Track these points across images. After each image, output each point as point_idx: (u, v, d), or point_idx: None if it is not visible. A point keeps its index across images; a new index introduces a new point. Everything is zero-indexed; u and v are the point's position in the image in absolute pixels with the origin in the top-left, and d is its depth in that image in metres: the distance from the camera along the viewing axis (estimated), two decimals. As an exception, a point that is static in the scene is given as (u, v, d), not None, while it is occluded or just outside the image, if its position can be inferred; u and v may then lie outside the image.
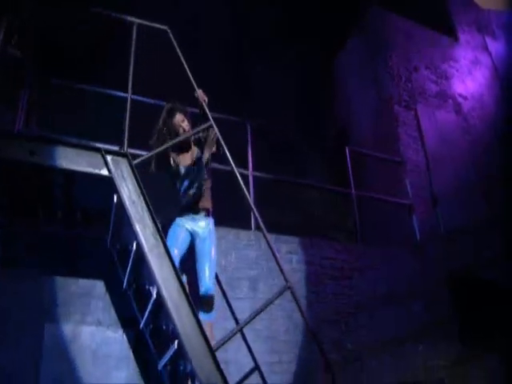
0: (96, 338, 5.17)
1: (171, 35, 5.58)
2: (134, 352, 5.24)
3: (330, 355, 5.79)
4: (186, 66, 5.52)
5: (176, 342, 4.27)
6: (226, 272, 6.16)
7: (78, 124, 6.44)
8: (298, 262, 6.83)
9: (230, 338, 4.48)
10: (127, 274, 5.09)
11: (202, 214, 5.40)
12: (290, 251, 6.83)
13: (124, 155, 4.79)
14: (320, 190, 8.19)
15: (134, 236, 4.53)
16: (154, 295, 4.44)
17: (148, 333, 5.10)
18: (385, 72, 10.77)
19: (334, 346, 6.53)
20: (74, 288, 5.33)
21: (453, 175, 10.05)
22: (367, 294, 7.32)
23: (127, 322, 5.29)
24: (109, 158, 4.71)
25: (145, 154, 5.09)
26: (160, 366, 4.95)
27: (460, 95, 11.88)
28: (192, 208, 5.41)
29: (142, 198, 4.69)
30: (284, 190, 7.82)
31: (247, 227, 6.72)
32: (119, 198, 4.62)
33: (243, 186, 5.22)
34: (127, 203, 4.59)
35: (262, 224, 5.19)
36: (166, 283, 4.40)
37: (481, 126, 11.65)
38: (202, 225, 5.33)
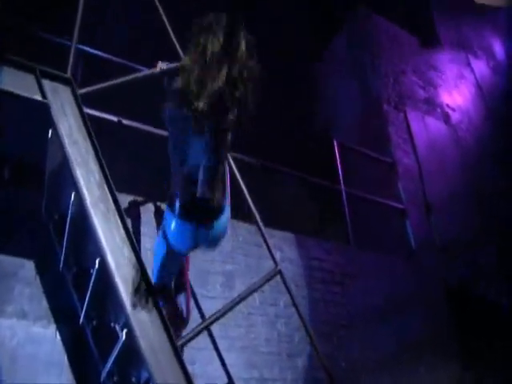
0: (18, 335, 3.70)
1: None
2: (69, 355, 3.76)
3: (320, 373, 4.42)
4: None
5: (124, 332, 2.87)
6: (194, 264, 4.74)
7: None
8: (282, 260, 5.45)
9: (201, 331, 3.15)
10: (64, 250, 3.67)
11: None
12: (273, 246, 5.46)
13: (67, 81, 3.45)
14: (305, 182, 6.87)
15: (74, 187, 3.17)
16: (97, 265, 3.06)
17: (90, 330, 3.64)
18: (372, 71, 9.66)
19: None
20: (-7, 269, 3.86)
21: (444, 184, 8.96)
22: (361, 303, 6.03)
23: (62, 314, 3.81)
24: (46, 82, 3.36)
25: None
26: (103, 376, 3.52)
27: (448, 106, 10.88)
28: None
29: (88, 138, 3.34)
30: (264, 178, 6.48)
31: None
32: (57, 136, 3.26)
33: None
34: (66, 142, 3.23)
35: (253, 208, 3.97)
36: (114, 250, 3.05)
37: (471, 139, 10.65)
38: None
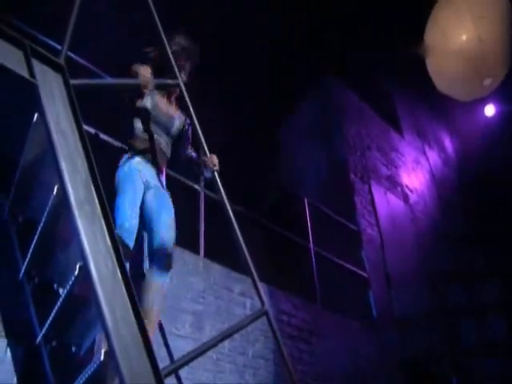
0: (-40, 352, 2.99)
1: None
2: (19, 376, 3.03)
3: None
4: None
5: (102, 352, 2.27)
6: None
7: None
8: (251, 309, 4.93)
9: (189, 361, 2.55)
10: (29, 257, 3.04)
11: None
12: (243, 293, 4.94)
13: (59, 67, 2.90)
14: (276, 235, 6.38)
15: (57, 183, 2.61)
16: (77, 273, 2.47)
17: (47, 352, 2.97)
18: (340, 141, 9.41)
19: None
20: None
21: (403, 259, 8.69)
22: (326, 363, 5.48)
23: (17, 330, 3.12)
24: (36, 63, 2.81)
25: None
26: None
27: (407, 186, 10.75)
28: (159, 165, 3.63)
29: (76, 129, 2.78)
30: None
31: (192, 250, 4.81)
32: (43, 121, 2.70)
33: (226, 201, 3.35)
34: (53, 131, 2.66)
35: (247, 254, 3.37)
36: (97, 259, 2.44)
37: (425, 221, 10.52)
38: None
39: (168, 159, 3.74)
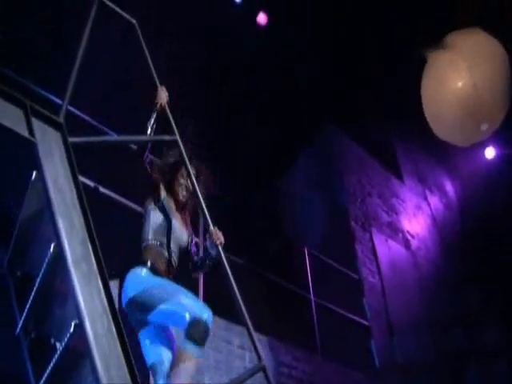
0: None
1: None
2: None
3: None
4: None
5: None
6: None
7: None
8: (251, 362, 4.89)
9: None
10: (26, 312, 3.05)
11: None
12: (242, 346, 4.91)
13: (58, 126, 2.98)
14: (276, 286, 6.38)
15: (54, 240, 2.64)
16: (72, 330, 2.48)
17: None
18: (341, 189, 9.48)
19: None
20: None
21: (405, 306, 8.65)
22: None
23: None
24: (35, 121, 2.88)
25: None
26: None
27: (408, 232, 10.77)
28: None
29: (73, 187, 2.83)
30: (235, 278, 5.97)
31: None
32: (41, 179, 2.76)
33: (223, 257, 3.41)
34: (51, 188, 2.71)
35: (243, 307, 3.39)
36: (94, 317, 2.46)
37: (427, 266, 10.50)
38: None
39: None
